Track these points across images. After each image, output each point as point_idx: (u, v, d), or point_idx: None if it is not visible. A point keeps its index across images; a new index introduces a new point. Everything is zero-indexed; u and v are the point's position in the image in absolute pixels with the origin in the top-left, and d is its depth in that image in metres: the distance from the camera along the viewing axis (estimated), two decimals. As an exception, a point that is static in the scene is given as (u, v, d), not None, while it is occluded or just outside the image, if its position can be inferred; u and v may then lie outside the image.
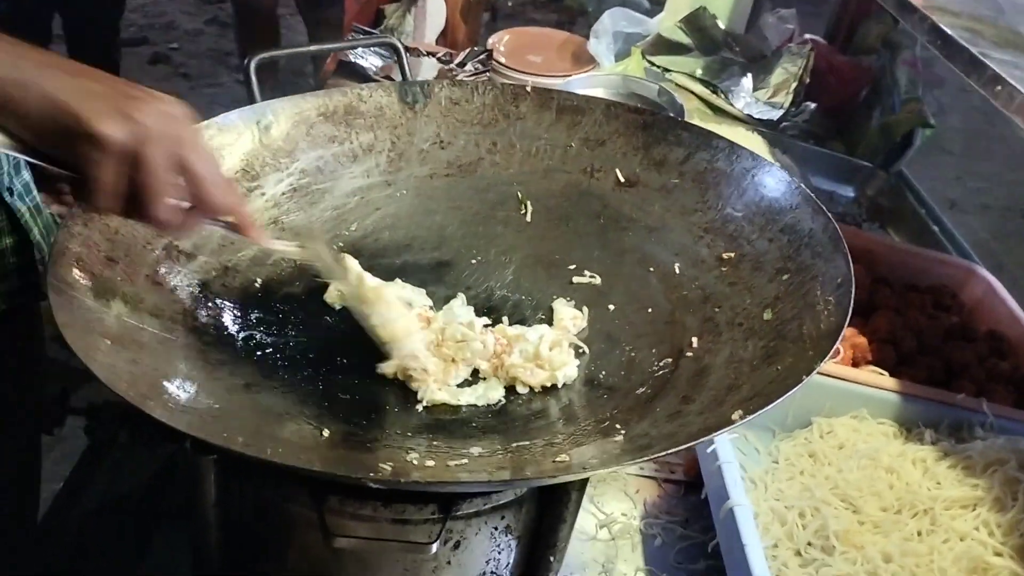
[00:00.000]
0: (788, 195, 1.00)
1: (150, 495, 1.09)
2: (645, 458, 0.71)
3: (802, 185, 0.99)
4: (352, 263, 0.92)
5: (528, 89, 1.20)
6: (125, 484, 1.09)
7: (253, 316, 0.96)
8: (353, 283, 0.91)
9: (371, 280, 0.92)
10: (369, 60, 1.91)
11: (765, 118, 1.96)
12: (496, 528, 0.85)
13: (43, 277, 1.11)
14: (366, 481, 0.72)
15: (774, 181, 1.02)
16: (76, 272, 0.83)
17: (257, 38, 3.32)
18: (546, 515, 0.86)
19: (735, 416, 0.72)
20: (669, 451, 0.69)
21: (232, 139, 1.06)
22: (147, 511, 1.07)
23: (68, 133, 0.66)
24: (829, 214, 0.94)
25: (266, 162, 1.08)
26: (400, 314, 0.93)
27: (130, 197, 0.70)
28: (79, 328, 0.76)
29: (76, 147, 0.67)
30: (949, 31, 1.23)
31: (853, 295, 0.82)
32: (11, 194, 1.03)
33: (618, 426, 0.83)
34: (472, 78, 1.89)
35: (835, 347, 0.76)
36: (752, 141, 1.84)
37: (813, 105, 2.04)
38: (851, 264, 0.86)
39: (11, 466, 1.26)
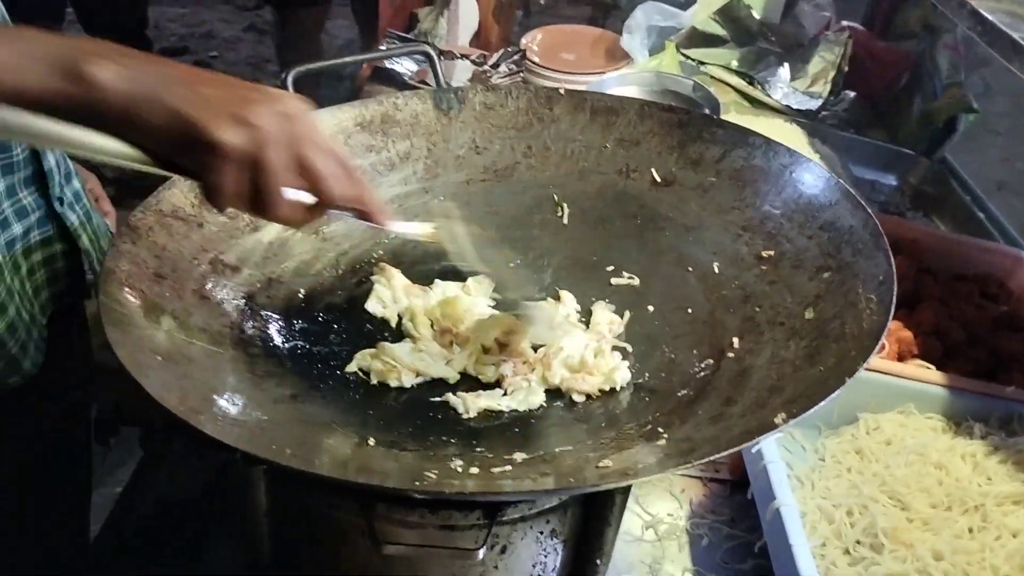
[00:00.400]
0: (827, 191, 0.99)
1: (204, 501, 1.11)
2: (688, 464, 0.71)
3: (841, 180, 0.98)
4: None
5: (561, 91, 1.20)
6: (180, 491, 1.12)
7: (297, 327, 0.98)
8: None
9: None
10: (404, 65, 1.93)
11: (804, 108, 1.94)
12: (542, 532, 0.86)
13: (91, 282, 1.14)
14: (412, 493, 0.73)
15: (812, 177, 1.02)
16: (126, 291, 0.85)
17: (298, 49, 3.33)
18: (591, 518, 0.86)
19: (778, 419, 0.72)
20: (712, 456, 0.69)
21: (272, 152, 1.07)
22: (201, 516, 1.10)
23: (189, 143, 0.68)
24: (869, 210, 0.93)
25: (305, 174, 1.10)
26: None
27: (252, 198, 0.71)
28: (131, 347, 0.78)
29: (198, 156, 0.68)
30: (989, 16, 1.20)
31: (895, 293, 0.81)
32: (62, 204, 1.06)
33: (660, 429, 0.83)
34: (506, 79, 1.90)
35: (878, 347, 0.75)
36: (791, 132, 1.82)
37: (852, 93, 2.01)
38: (892, 261, 0.85)
39: (66, 467, 1.29)
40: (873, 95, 2.04)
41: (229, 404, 0.80)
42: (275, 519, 0.86)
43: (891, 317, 0.78)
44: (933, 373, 1.18)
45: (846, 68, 1.99)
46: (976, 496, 1.00)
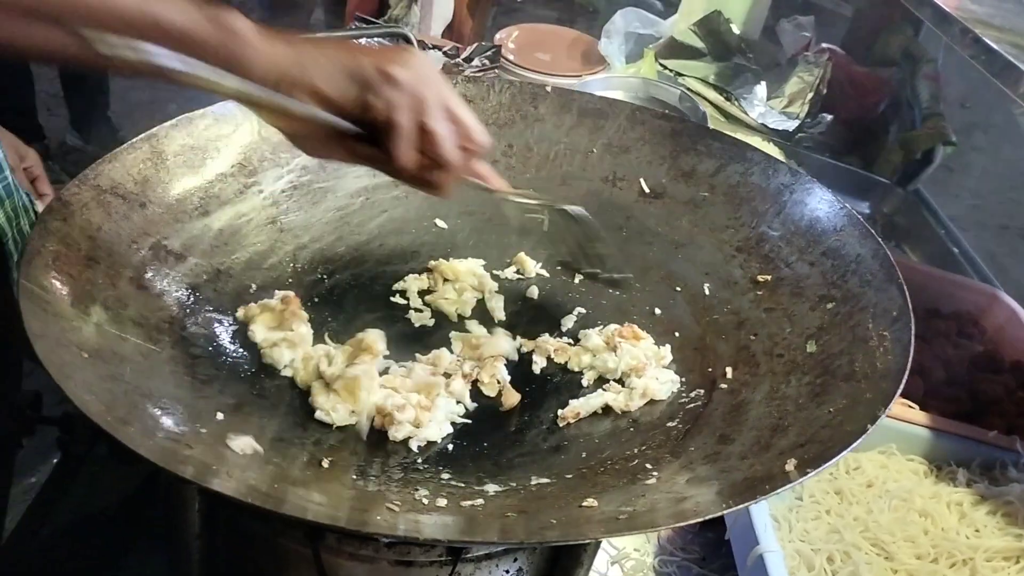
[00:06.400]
0: (832, 216, 0.93)
1: (127, 512, 1.00)
2: (690, 521, 0.62)
3: (847, 206, 0.92)
4: None
5: (548, 89, 1.12)
6: (100, 499, 1.00)
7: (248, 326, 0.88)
8: None
9: None
10: (372, 51, 1.82)
11: (780, 128, 1.89)
12: (508, 572, 0.77)
13: (10, 268, 1.02)
14: (378, 536, 0.63)
15: (816, 200, 0.95)
16: (52, 274, 0.74)
17: None
18: (563, 559, 0.79)
19: (789, 467, 0.64)
20: (717, 513, 0.61)
21: (229, 130, 0.97)
22: (123, 530, 0.99)
23: (363, 81, 0.70)
24: (880, 239, 0.86)
25: (265, 157, 1.00)
26: None
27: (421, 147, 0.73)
28: (53, 340, 0.67)
29: (375, 91, 0.70)
30: (995, 46, 1.16)
31: (913, 330, 0.74)
32: None
33: (649, 466, 0.75)
34: (479, 74, 1.81)
35: (899, 390, 0.68)
36: (769, 152, 1.77)
37: (830, 117, 1.97)
38: (908, 295, 0.78)
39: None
40: (850, 120, 2.00)
41: (163, 414, 0.70)
42: (208, 543, 0.76)
43: (911, 357, 0.72)
44: (916, 413, 1.12)
45: (824, 91, 1.95)
46: (964, 549, 0.95)
